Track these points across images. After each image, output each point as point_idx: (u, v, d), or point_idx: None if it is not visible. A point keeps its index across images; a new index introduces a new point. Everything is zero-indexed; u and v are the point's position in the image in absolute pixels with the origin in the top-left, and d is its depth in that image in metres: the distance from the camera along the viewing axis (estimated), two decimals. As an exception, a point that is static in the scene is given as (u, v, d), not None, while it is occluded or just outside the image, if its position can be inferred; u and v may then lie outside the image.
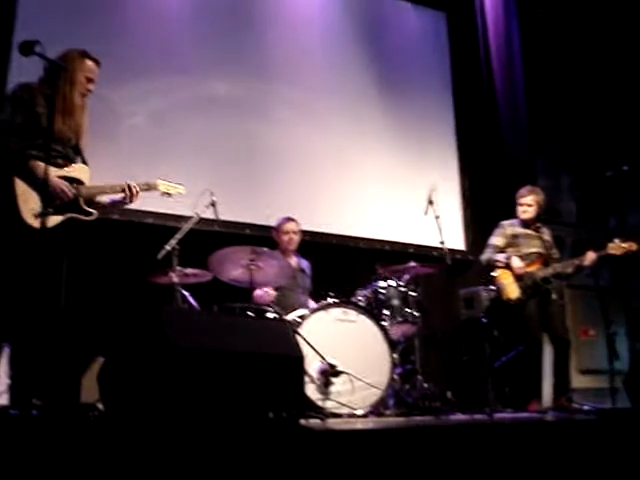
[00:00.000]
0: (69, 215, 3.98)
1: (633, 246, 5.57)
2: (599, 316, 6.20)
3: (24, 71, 4.07)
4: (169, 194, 4.49)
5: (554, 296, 5.77)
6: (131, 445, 2.43)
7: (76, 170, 4.06)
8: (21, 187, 3.79)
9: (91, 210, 4.08)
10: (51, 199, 3.85)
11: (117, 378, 2.97)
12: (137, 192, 4.21)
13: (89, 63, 4.09)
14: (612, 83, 8.27)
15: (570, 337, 5.81)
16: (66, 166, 4.02)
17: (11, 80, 5.22)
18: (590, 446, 3.45)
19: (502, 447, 3.22)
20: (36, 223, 3.74)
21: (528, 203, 5.89)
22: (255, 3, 7.01)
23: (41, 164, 3.75)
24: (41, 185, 3.63)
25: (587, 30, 8.44)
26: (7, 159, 3.81)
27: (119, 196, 4.22)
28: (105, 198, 4.23)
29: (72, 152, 4.09)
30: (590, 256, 5.63)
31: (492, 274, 5.86)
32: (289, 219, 5.83)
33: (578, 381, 6.52)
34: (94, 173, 4.18)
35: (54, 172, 3.87)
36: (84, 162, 4.14)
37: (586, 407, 5.76)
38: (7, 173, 3.79)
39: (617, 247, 5.57)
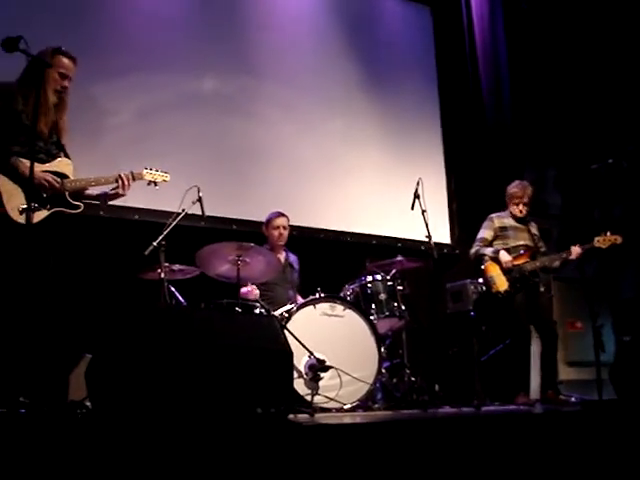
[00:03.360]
0: (55, 209, 3.98)
1: (618, 239, 5.62)
2: (586, 308, 6.22)
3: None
4: (155, 183, 4.50)
5: (542, 288, 5.81)
6: (119, 442, 2.43)
7: (59, 165, 4.07)
8: (5, 184, 3.79)
9: (77, 203, 4.08)
10: (36, 194, 3.86)
11: (105, 375, 2.96)
12: (129, 182, 4.22)
13: (63, 59, 4.08)
14: (597, 77, 8.29)
15: (557, 329, 5.84)
16: (49, 161, 4.02)
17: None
18: (577, 437, 3.47)
19: (490, 440, 3.23)
20: (22, 219, 3.74)
21: (525, 202, 5.91)
22: (243, 1, 6.99)
23: (24, 160, 3.76)
24: (25, 180, 3.63)
25: (572, 25, 8.47)
26: None
27: (110, 187, 4.23)
28: (95, 190, 4.24)
29: (54, 148, 4.10)
30: (575, 250, 5.68)
31: (481, 267, 5.88)
32: (280, 214, 5.81)
33: (565, 373, 6.56)
34: (78, 170, 4.18)
35: (38, 167, 3.87)
36: (66, 156, 4.15)
37: (573, 399, 5.79)
38: None
39: (603, 240, 5.62)
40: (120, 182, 4.21)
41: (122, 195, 4.29)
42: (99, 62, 5.80)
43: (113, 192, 4.29)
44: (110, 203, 4.52)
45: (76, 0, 5.97)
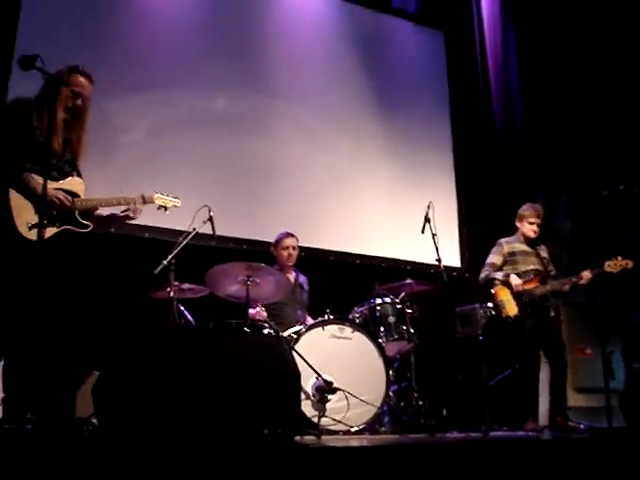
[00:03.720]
0: (64, 227, 3.99)
1: (629, 263, 5.57)
2: (595, 334, 6.18)
3: (25, 83, 4.07)
4: (165, 207, 4.53)
5: (552, 313, 5.77)
6: (125, 460, 2.42)
7: (71, 183, 4.09)
8: (15, 199, 3.80)
9: (87, 222, 4.10)
10: (46, 210, 3.87)
11: (112, 393, 2.95)
12: (138, 208, 4.24)
13: (79, 78, 4.10)
14: (609, 103, 8.31)
15: (566, 355, 5.81)
16: (61, 179, 4.04)
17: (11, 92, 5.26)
18: (585, 465, 3.44)
19: (498, 466, 3.21)
20: (30, 235, 3.75)
21: (538, 223, 5.90)
22: (256, 20, 7.05)
23: (35, 176, 3.78)
24: (36, 197, 3.65)
25: (585, 52, 8.50)
26: (1, 172, 3.83)
27: (121, 210, 4.26)
28: (105, 211, 4.26)
29: (67, 166, 4.11)
30: (586, 275, 5.64)
31: (491, 291, 5.86)
32: (289, 234, 5.83)
33: (574, 399, 6.49)
34: (90, 186, 4.20)
35: (49, 185, 3.88)
36: (79, 175, 4.16)
37: (582, 426, 5.74)
38: (1, 186, 3.81)
39: (614, 265, 5.58)
40: (132, 206, 4.23)
41: (132, 218, 4.31)
42: (113, 79, 5.86)
43: (123, 214, 4.30)
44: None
45: (91, 19, 6.05)
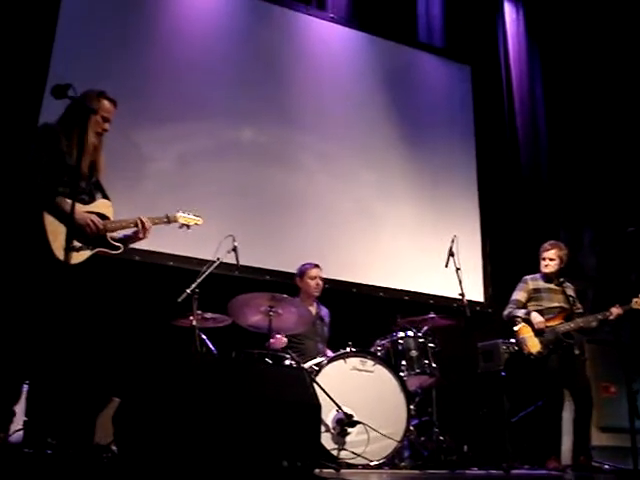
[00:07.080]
0: (97, 250, 4.02)
1: None
2: (620, 372, 6.10)
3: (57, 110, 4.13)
4: (188, 226, 4.56)
5: (577, 351, 5.71)
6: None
7: (100, 206, 4.13)
8: (51, 223, 3.84)
9: (118, 244, 4.13)
10: (79, 234, 3.90)
11: (133, 420, 2.96)
12: (147, 226, 4.24)
13: (106, 103, 4.16)
14: (637, 139, 8.28)
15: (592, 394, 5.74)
16: (90, 202, 4.09)
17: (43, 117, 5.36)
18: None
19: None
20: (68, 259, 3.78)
21: (550, 257, 5.90)
22: (282, 52, 7.14)
23: (68, 200, 3.82)
24: (68, 220, 3.68)
25: (611, 87, 8.50)
26: (36, 196, 3.88)
27: (131, 230, 4.27)
28: (118, 233, 4.27)
29: (94, 188, 4.16)
30: (615, 310, 5.60)
31: (513, 328, 5.83)
32: (315, 265, 5.84)
33: (598, 439, 6.38)
34: (118, 214, 4.23)
35: (81, 208, 3.93)
36: (106, 197, 4.20)
37: (606, 466, 5.65)
38: (36, 209, 3.85)
39: None
40: (140, 226, 4.23)
41: (141, 239, 4.29)
42: (141, 108, 5.97)
43: (133, 235, 4.29)
44: (146, 249, 4.58)
45: (122, 50, 6.20)
